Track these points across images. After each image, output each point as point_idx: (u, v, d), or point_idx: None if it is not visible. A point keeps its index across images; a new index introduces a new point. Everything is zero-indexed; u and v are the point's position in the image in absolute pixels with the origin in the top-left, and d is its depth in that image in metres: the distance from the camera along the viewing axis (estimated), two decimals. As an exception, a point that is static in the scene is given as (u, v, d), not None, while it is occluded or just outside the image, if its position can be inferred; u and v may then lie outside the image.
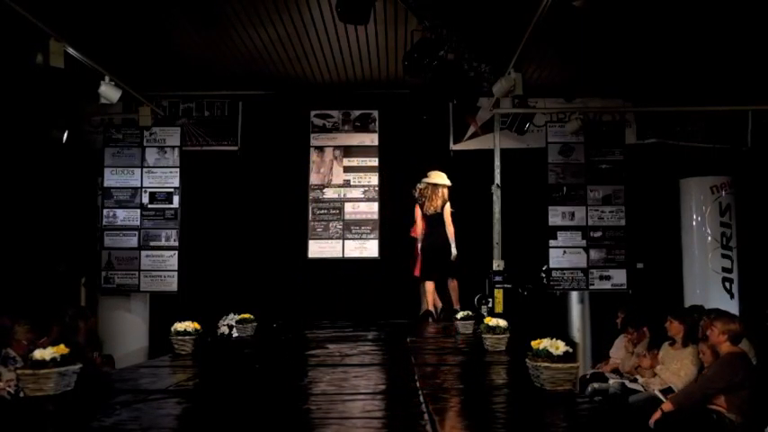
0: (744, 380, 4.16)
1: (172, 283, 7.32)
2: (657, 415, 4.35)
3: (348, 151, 8.04)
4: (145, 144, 7.46)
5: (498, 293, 7.05)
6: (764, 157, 7.66)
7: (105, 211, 7.40)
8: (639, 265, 7.79)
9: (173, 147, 7.48)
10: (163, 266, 7.34)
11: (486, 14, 5.75)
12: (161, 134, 7.49)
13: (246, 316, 5.92)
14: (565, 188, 7.51)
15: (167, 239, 7.37)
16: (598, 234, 7.45)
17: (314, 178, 7.99)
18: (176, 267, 7.34)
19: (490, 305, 7.04)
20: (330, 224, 7.93)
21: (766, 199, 7.85)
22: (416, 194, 7.08)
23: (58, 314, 5.89)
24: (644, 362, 5.32)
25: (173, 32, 6.29)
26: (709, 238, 7.59)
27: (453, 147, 8.00)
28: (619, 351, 6.12)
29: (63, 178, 7.37)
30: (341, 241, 7.88)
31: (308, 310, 7.07)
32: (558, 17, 5.08)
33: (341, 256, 7.83)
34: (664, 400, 4.59)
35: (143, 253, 7.36)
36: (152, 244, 7.37)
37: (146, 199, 7.41)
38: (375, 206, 7.95)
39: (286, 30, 6.31)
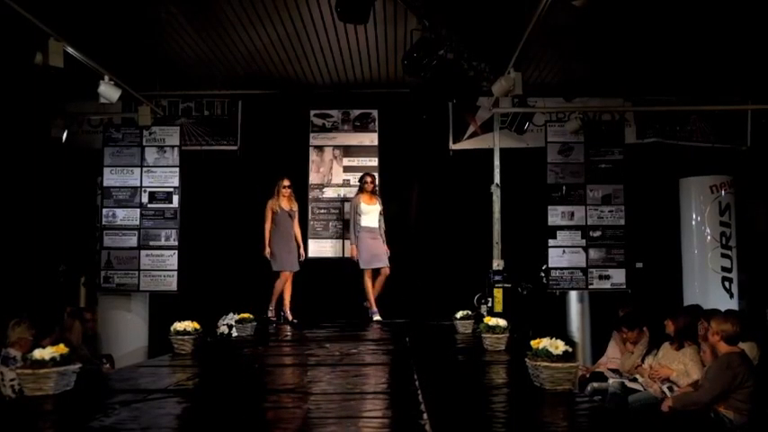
0: (744, 379, 4.15)
1: (171, 283, 7.31)
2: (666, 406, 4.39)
3: (348, 151, 8.03)
4: (144, 144, 7.45)
5: (498, 293, 7.06)
6: (764, 157, 7.67)
7: (105, 211, 7.38)
8: (639, 265, 7.79)
9: (172, 146, 7.46)
10: (162, 266, 7.33)
11: (486, 14, 5.75)
12: (160, 134, 7.48)
13: (246, 315, 5.92)
14: (564, 188, 7.51)
15: (167, 239, 7.37)
16: (597, 234, 7.46)
17: (313, 178, 7.98)
18: (176, 267, 7.33)
19: (490, 304, 7.05)
20: (330, 224, 7.92)
21: (766, 199, 7.86)
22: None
23: (59, 314, 5.90)
24: (645, 371, 5.26)
25: (172, 32, 6.29)
26: (709, 237, 7.59)
27: (453, 146, 7.99)
28: (614, 350, 6.11)
29: (62, 178, 7.37)
30: (341, 241, 7.87)
31: (307, 310, 7.06)
32: (557, 16, 5.08)
33: (341, 255, 7.82)
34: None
35: (143, 252, 7.34)
36: (152, 243, 7.36)
37: (145, 198, 7.40)
38: (375, 206, 7.92)
39: (286, 30, 6.30)
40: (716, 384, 4.20)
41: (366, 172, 7.24)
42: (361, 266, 6.94)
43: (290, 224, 7.04)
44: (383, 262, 6.93)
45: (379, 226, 7.04)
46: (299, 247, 7.08)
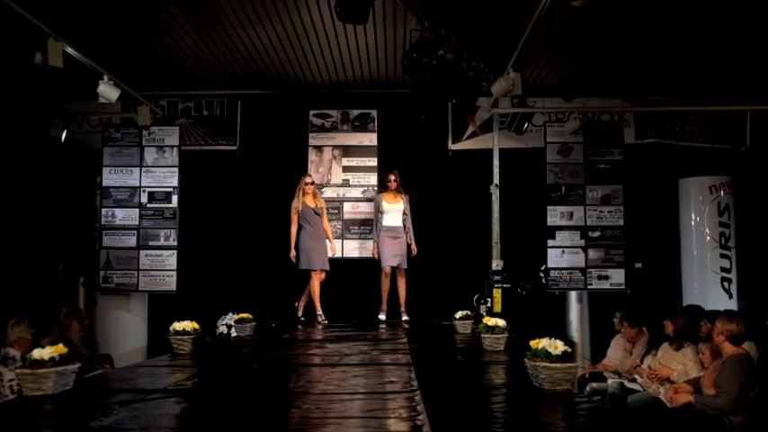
0: (751, 381, 4.13)
1: (171, 283, 7.31)
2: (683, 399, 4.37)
3: (347, 151, 8.03)
4: (143, 144, 7.45)
5: (497, 293, 7.06)
6: (763, 157, 7.67)
7: (104, 211, 7.39)
8: (638, 265, 7.79)
9: (171, 146, 7.47)
10: (162, 266, 7.34)
11: (485, 14, 5.76)
12: (160, 134, 7.48)
13: (245, 315, 5.92)
14: (563, 188, 7.52)
15: (166, 239, 7.37)
16: (596, 234, 7.46)
17: (313, 178, 7.96)
18: (175, 267, 7.33)
19: (489, 305, 7.05)
20: (329, 224, 7.90)
21: (765, 199, 7.86)
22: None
23: (58, 314, 5.89)
24: (644, 371, 5.24)
25: (172, 32, 6.29)
26: (708, 237, 7.60)
27: (452, 146, 8.00)
28: (615, 351, 6.11)
29: (62, 178, 7.36)
30: (340, 241, 7.87)
31: (307, 310, 7.06)
32: (557, 17, 5.09)
33: (340, 255, 7.81)
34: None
35: (142, 252, 7.35)
36: (151, 243, 7.36)
37: (144, 198, 7.41)
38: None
39: (285, 30, 6.31)
40: (733, 387, 4.10)
41: (390, 170, 7.17)
42: (381, 265, 6.94)
43: (319, 221, 6.99)
44: (398, 262, 6.88)
45: (404, 225, 7.00)
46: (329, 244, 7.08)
